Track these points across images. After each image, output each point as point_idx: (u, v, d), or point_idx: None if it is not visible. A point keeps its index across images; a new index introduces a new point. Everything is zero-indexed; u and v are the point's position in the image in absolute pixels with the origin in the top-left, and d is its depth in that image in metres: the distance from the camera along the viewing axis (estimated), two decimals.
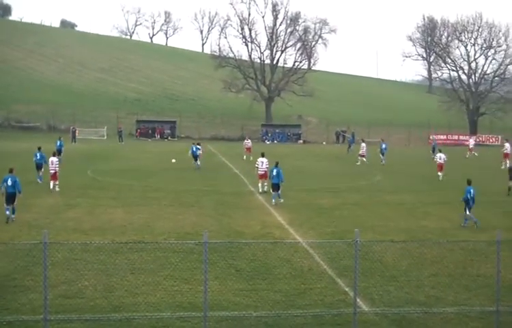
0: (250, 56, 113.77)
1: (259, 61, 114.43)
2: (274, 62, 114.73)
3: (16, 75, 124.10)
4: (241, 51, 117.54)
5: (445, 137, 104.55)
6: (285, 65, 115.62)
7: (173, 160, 56.61)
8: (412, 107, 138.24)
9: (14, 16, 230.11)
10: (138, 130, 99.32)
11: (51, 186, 37.81)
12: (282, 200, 34.41)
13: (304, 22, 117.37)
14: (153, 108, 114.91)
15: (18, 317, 15.67)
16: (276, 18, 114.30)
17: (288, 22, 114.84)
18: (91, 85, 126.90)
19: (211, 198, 36.51)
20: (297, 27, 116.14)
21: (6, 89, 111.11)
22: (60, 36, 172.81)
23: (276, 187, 34.55)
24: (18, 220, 28.33)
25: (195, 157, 51.76)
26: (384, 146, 61.11)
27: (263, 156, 39.66)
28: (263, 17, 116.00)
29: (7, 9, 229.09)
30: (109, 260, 20.63)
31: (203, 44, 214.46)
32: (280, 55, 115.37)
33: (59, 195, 36.18)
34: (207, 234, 14.80)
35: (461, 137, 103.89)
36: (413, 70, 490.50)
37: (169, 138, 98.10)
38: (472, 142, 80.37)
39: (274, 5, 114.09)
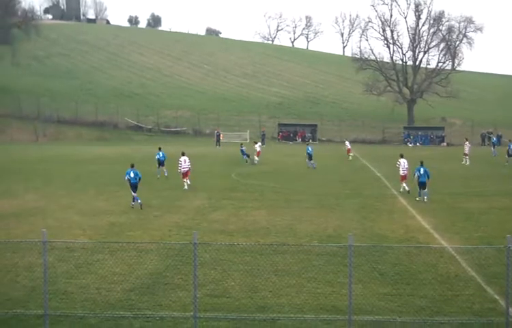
0: (391, 57, 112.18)
1: (400, 62, 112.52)
2: (417, 63, 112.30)
3: (165, 82, 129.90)
4: (382, 53, 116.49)
5: None
6: (428, 66, 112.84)
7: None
8: None
9: (164, 27, 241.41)
10: (280, 134, 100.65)
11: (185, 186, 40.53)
12: (426, 199, 34.35)
13: (447, 21, 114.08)
14: (294, 111, 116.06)
15: (170, 313, 16.42)
16: (418, 18, 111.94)
17: (431, 21, 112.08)
18: (234, 89, 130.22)
19: (353, 201, 36.33)
20: (440, 27, 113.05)
21: (156, 96, 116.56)
22: (205, 44, 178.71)
23: (423, 186, 35.86)
24: (168, 221, 29.68)
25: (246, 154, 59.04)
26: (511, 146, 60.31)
27: (402, 157, 40.55)
28: (405, 18, 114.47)
29: (157, 21, 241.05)
30: (254, 261, 21.12)
31: (343, 47, 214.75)
32: (423, 56, 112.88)
33: (206, 198, 37.39)
34: (353, 237, 14.77)
35: None
36: None
37: (310, 141, 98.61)
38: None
39: (417, 5, 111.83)
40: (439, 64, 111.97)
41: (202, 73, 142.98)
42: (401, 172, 39.61)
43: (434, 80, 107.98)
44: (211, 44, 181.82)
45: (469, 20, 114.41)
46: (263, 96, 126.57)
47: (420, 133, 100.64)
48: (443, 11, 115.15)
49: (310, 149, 55.33)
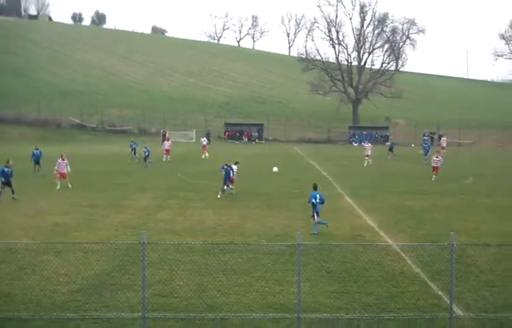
0: (337, 58, 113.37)
1: (346, 62, 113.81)
2: (362, 64, 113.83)
3: (110, 80, 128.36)
4: (328, 53, 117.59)
5: None
6: (373, 67, 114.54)
7: (275, 169, 52.57)
8: (505, 107, 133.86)
9: (109, 25, 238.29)
10: (226, 133, 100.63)
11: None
12: (316, 231, 27.82)
13: (391, 22, 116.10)
14: (240, 111, 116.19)
15: (118, 314, 16.22)
16: (363, 19, 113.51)
17: (375, 23, 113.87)
18: (180, 89, 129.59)
19: (299, 201, 36.48)
20: (384, 28, 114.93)
21: (101, 94, 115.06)
22: (151, 42, 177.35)
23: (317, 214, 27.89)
24: (114, 220, 29.37)
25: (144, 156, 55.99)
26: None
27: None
28: (350, 19, 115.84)
29: (102, 18, 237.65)
30: (202, 260, 21.07)
31: (289, 47, 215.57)
32: (368, 57, 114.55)
33: (152, 197, 37.11)
34: (301, 236, 14.85)
35: None
36: (506, 69, 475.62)
37: (257, 140, 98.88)
38: (443, 140, 75.79)
39: (362, 7, 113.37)
40: (384, 65, 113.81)
41: (147, 72, 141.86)
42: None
43: (379, 81, 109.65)
44: (156, 42, 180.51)
45: (412, 22, 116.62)
46: (209, 95, 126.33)
47: (364, 133, 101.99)
48: (387, 13, 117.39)
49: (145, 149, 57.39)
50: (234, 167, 39.38)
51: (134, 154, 60.61)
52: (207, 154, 65.08)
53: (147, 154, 56.42)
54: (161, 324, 15.86)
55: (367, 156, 60.44)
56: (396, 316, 16.41)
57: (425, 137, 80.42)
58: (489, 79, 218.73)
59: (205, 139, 68.56)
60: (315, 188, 28.13)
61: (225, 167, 38.03)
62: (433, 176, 46.51)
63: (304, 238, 23.28)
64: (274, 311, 16.75)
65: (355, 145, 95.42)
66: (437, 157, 47.86)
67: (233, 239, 25.66)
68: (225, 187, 37.83)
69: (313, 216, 27.34)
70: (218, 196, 36.82)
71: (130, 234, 26.03)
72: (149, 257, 18.53)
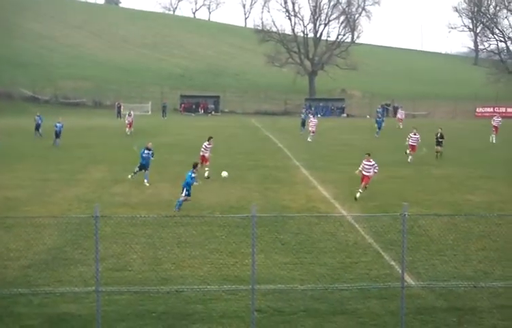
0: (293, 30, 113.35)
1: (302, 34, 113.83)
2: (318, 36, 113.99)
3: (64, 52, 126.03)
4: (284, 25, 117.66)
5: (492, 109, 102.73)
6: (329, 39, 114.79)
7: (224, 174, 35.93)
8: (458, 80, 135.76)
9: None
10: (183, 105, 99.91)
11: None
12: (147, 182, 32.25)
13: None
14: (197, 83, 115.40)
15: (71, 289, 16.07)
16: None
17: None
18: (135, 60, 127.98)
19: (255, 173, 36.64)
20: (340, 0, 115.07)
21: (54, 66, 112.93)
22: (105, 13, 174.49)
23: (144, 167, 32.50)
24: (68, 194, 28.99)
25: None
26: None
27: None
28: None
29: None
30: (156, 233, 21.00)
31: (245, 19, 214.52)
32: (324, 28, 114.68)
33: (107, 171, 36.71)
34: (256, 208, 14.86)
35: (508, 109, 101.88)
36: (459, 42, 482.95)
37: (213, 113, 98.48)
38: (401, 113, 76.18)
39: None
40: (340, 37, 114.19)
41: (101, 43, 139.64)
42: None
43: (334, 53, 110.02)
44: (111, 13, 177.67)
45: None
46: (165, 67, 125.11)
47: (321, 104, 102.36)
48: None
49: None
50: (207, 143, 35.49)
51: (38, 129, 54.71)
52: (130, 130, 60.16)
53: (58, 130, 49.45)
54: (115, 298, 15.78)
55: (312, 132, 56.25)
56: (350, 286, 16.62)
57: (379, 109, 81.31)
58: (443, 52, 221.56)
59: (130, 113, 63.60)
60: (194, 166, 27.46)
61: (145, 152, 32.98)
62: (410, 157, 42.19)
63: (258, 210, 23.37)
64: (228, 283, 16.81)
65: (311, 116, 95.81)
66: (415, 134, 42.78)
67: (188, 212, 25.58)
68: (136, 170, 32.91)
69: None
70: (129, 177, 32.78)
71: (84, 208, 25.77)
72: (102, 231, 18.41)
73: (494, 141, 55.78)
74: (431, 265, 18.85)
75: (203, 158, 34.98)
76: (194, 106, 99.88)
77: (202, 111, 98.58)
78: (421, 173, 37.30)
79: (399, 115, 75.83)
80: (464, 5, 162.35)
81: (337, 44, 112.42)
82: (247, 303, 14.99)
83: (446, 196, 30.17)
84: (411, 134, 43.00)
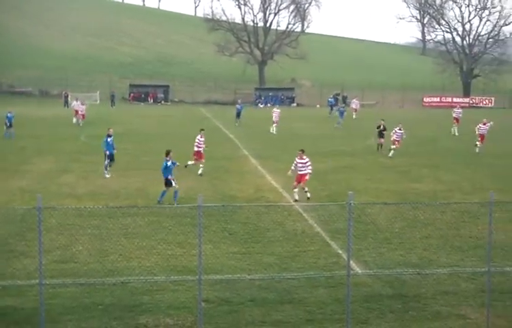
0: (243, 19, 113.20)
1: (252, 23, 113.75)
2: (267, 25, 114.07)
3: (9, 39, 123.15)
4: (234, 14, 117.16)
5: (438, 99, 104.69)
6: (278, 28, 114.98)
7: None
8: (406, 70, 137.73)
9: None
10: (132, 95, 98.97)
11: None
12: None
13: None
14: (146, 72, 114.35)
15: (14, 282, 15.75)
16: None
17: None
18: (83, 49, 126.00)
19: (204, 162, 36.40)
20: None
21: None
22: (54, 2, 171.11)
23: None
24: (12, 185, 28.40)
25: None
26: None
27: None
28: None
29: None
30: (103, 224, 20.71)
31: (195, 7, 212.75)
32: (274, 18, 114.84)
33: (54, 161, 36.09)
34: (202, 198, 14.78)
35: (454, 99, 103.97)
36: (407, 32, 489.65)
37: (162, 102, 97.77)
38: (355, 103, 75.87)
39: None
40: (289, 26, 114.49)
41: (49, 31, 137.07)
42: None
43: (284, 42, 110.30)
44: (60, 2, 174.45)
45: None
46: (114, 56, 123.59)
47: (271, 94, 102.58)
48: None
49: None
50: (199, 137, 32.89)
51: None
52: (82, 121, 58.78)
53: (9, 120, 47.61)
54: (60, 291, 15.53)
55: (275, 123, 55.18)
56: (297, 275, 16.71)
57: (330, 99, 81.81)
58: (392, 42, 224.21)
59: (78, 103, 61.04)
60: (167, 154, 25.90)
61: (109, 139, 31.57)
62: (392, 151, 40.29)
63: (207, 200, 23.29)
64: (176, 274, 16.72)
65: (261, 106, 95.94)
66: (399, 129, 41.38)
67: (136, 202, 25.37)
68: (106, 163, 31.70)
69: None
70: (107, 176, 31.28)
71: (29, 199, 25.22)
72: (47, 223, 18.03)
73: (456, 133, 54.90)
74: (378, 253, 19.08)
75: (199, 154, 32.46)
76: (143, 96, 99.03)
77: (151, 101, 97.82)
78: (370, 163, 37.73)
79: (353, 105, 76.25)
80: None
81: (287, 33, 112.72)
82: (195, 294, 14.90)
83: (393, 185, 30.59)
84: (396, 129, 41.75)
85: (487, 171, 35.12)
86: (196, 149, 32.65)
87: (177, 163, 26.20)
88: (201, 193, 22.12)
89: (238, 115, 62.56)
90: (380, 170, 35.11)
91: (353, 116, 70.31)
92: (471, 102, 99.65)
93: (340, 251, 18.98)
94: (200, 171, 32.06)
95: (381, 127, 42.78)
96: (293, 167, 26.96)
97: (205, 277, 15.48)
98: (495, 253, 16.77)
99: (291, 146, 41.94)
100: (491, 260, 14.76)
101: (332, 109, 76.58)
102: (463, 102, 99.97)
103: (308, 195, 26.18)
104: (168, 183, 25.29)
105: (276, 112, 56.29)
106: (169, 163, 25.58)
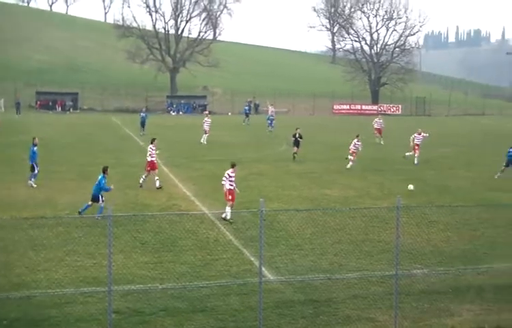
0: (154, 26, 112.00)
1: (163, 31, 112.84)
2: (179, 32, 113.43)
3: None
4: (145, 21, 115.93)
5: (348, 106, 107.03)
6: (190, 36, 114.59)
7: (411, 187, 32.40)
8: (317, 77, 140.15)
9: None
10: (38, 102, 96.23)
11: None
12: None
13: None
14: (54, 79, 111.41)
15: None
16: None
17: None
18: None
19: (116, 171, 35.71)
20: None
21: None
22: None
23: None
24: None
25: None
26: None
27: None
28: None
29: None
30: (8, 236, 20.03)
31: (105, 14, 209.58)
32: (185, 25, 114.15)
33: None
34: (112, 208, 14.50)
35: (363, 107, 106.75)
36: (319, 41, 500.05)
37: (71, 110, 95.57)
38: (272, 110, 71.32)
39: None
40: (201, 34, 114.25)
41: None
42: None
43: (196, 50, 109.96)
44: None
45: None
46: (20, 62, 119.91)
47: (183, 102, 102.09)
48: None
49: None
50: (152, 146, 31.25)
51: None
52: None
53: None
54: None
55: (206, 132, 52.17)
56: (210, 283, 16.65)
57: (246, 107, 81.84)
58: (303, 50, 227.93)
59: None
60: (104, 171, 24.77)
61: (35, 149, 31.20)
62: (350, 163, 39.17)
63: (118, 209, 22.94)
64: (86, 286, 16.34)
65: (173, 114, 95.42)
66: (358, 141, 40.31)
67: (44, 213, 24.65)
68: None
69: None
70: (34, 186, 30.19)
71: None
72: None
73: (382, 143, 54.01)
74: (289, 259, 19.26)
75: (152, 165, 30.89)
76: (51, 104, 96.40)
77: (60, 109, 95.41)
78: (281, 170, 38.08)
79: (269, 113, 75.32)
80: (322, 6, 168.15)
81: (199, 41, 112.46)
82: (105, 305, 14.57)
83: (304, 191, 30.99)
84: (417, 135, 42.35)
85: (397, 176, 36.11)
86: (149, 159, 31.04)
87: (112, 188, 24.74)
88: (113, 202, 21.86)
89: (143, 124, 59.06)
90: (292, 177, 35.49)
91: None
92: (379, 109, 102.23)
93: (252, 259, 19.04)
94: (158, 184, 30.40)
95: (297, 135, 42.35)
96: (224, 182, 24.87)
97: (116, 287, 15.21)
98: (403, 256, 17.22)
99: (200, 154, 41.99)
100: (398, 264, 15.16)
101: (247, 116, 76.60)
102: (372, 110, 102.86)
103: (229, 216, 23.64)
104: (95, 199, 24.22)
105: (207, 121, 53.06)
106: (103, 182, 24.29)
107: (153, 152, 31.23)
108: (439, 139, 54.65)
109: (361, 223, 23.26)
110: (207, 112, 70.58)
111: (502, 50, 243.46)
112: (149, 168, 30.96)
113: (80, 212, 23.91)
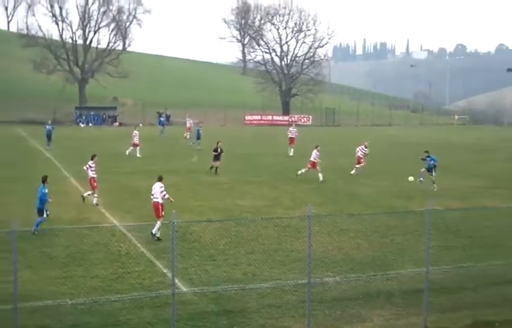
0: (61, 36, 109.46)
1: (71, 41, 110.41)
2: (87, 42, 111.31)
3: None
4: (51, 30, 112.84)
5: (259, 117, 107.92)
6: (99, 46, 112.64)
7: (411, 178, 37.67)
8: (228, 88, 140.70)
9: None
10: None
11: None
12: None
13: (117, 2, 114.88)
14: None
15: None
16: None
17: (101, 1, 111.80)
18: None
19: (23, 185, 34.70)
20: (110, 7, 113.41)
21: None
22: None
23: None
24: None
25: None
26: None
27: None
28: None
29: None
30: None
31: (8, 22, 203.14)
32: (94, 35, 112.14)
33: None
34: (16, 223, 13.97)
35: (274, 118, 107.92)
36: (229, 52, 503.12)
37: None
38: (189, 122, 71.94)
39: None
40: (110, 44, 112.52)
41: None
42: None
43: (105, 60, 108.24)
44: None
45: (138, 2, 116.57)
46: None
47: (92, 113, 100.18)
48: None
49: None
50: (91, 162, 30.23)
51: None
52: None
53: None
54: None
55: (137, 145, 51.14)
56: (122, 296, 16.31)
57: (162, 118, 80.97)
58: (214, 61, 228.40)
59: None
60: (43, 180, 24.08)
61: None
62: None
63: (26, 224, 22.13)
64: None
65: (82, 125, 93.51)
66: (365, 147, 42.28)
67: None
68: None
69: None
70: None
71: None
72: None
73: (292, 154, 53.17)
74: (203, 270, 19.13)
75: (93, 182, 29.68)
76: None
77: None
78: (193, 180, 37.90)
79: (187, 125, 73.79)
80: (232, 17, 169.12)
81: (108, 51, 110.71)
82: (11, 323, 14.02)
83: (217, 202, 30.93)
84: (363, 147, 42.46)
85: (308, 185, 36.58)
86: (90, 176, 29.85)
87: (50, 199, 23.89)
88: (19, 216, 21.08)
89: (49, 137, 56.11)
90: (204, 188, 35.37)
91: (187, 136, 68.25)
92: (290, 120, 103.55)
93: (165, 270, 18.80)
94: (95, 201, 29.39)
95: (218, 150, 41.34)
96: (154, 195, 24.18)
97: (23, 304, 14.66)
98: (315, 264, 17.40)
99: (109, 166, 41.16)
100: (311, 272, 15.31)
101: (163, 127, 75.64)
102: (283, 120, 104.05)
103: (158, 233, 22.94)
104: (40, 212, 23.24)
105: (136, 134, 51.68)
106: (44, 191, 23.38)
107: (92, 168, 29.93)
108: (348, 149, 55.77)
109: (274, 232, 23.41)
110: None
111: (407, 62, 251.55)
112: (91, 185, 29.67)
113: (34, 232, 22.66)
